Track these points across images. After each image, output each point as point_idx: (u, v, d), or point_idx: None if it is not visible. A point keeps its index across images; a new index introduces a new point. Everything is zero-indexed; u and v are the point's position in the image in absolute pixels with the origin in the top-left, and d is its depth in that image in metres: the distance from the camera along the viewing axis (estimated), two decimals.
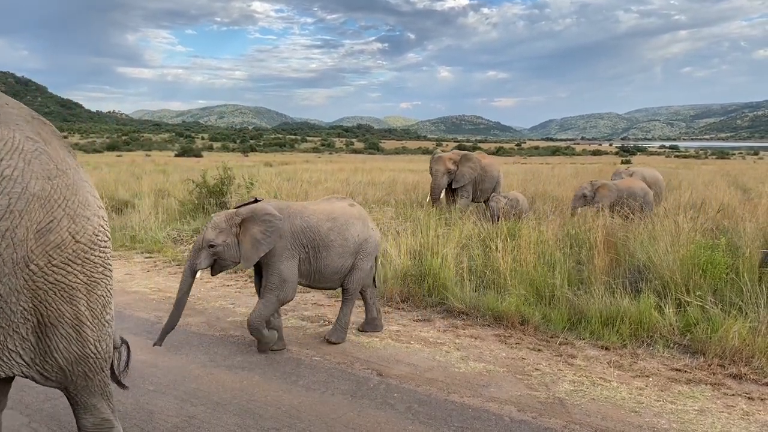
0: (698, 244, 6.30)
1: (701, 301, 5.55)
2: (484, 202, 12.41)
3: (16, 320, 2.54)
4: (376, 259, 5.63)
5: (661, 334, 5.36)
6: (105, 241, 2.77)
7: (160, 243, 9.99)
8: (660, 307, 5.64)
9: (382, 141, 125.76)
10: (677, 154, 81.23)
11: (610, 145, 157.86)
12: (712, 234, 7.42)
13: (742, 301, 5.62)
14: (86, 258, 2.67)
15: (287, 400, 4.16)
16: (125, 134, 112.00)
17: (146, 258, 9.31)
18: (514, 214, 9.78)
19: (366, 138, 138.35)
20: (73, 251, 2.61)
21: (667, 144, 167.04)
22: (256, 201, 5.20)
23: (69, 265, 2.61)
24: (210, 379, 4.53)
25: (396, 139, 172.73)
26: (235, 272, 8.08)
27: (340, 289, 5.63)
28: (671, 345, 5.22)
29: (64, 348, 2.70)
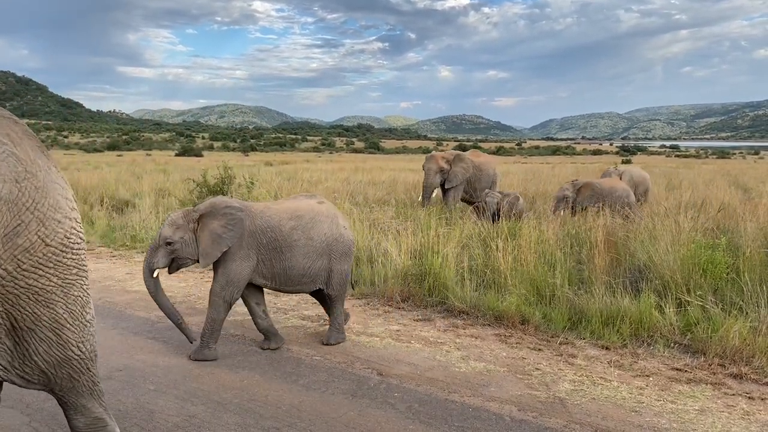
0: (699, 243, 6.29)
1: (702, 301, 5.55)
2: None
3: None
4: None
5: (661, 333, 5.35)
6: (78, 243, 2.73)
7: None
8: (660, 306, 5.64)
9: (383, 140, 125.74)
10: (678, 153, 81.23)
11: (611, 144, 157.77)
12: (712, 234, 7.41)
13: (742, 300, 5.62)
14: (58, 261, 2.63)
15: (288, 400, 4.16)
16: (126, 134, 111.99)
17: None
18: (514, 214, 9.76)
19: (366, 137, 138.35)
20: (44, 255, 2.57)
21: (668, 144, 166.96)
22: None
23: (40, 268, 2.56)
24: (210, 378, 4.53)
25: (396, 138, 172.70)
26: None
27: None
28: (672, 345, 5.22)
29: (44, 351, 2.68)
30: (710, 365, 4.79)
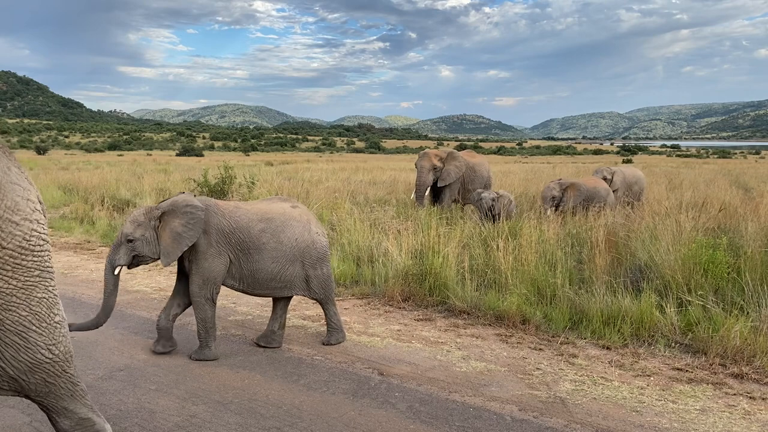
0: (700, 243, 6.28)
1: (703, 301, 5.54)
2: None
3: None
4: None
5: (662, 333, 5.35)
6: (40, 246, 2.67)
7: None
8: (661, 306, 5.63)
9: (383, 140, 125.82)
10: (679, 153, 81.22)
11: (612, 144, 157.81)
12: (713, 233, 7.41)
13: (743, 300, 5.62)
14: (16, 264, 2.57)
15: (288, 400, 4.16)
16: (126, 133, 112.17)
17: None
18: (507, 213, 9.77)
19: (367, 137, 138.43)
20: (0, 258, 2.52)
21: (669, 143, 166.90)
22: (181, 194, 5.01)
23: None
24: (211, 378, 4.54)
25: (397, 138, 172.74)
26: None
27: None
28: (672, 344, 5.22)
29: (11, 356, 2.62)
30: (711, 365, 4.78)
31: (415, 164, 12.10)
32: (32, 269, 2.64)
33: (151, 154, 53.05)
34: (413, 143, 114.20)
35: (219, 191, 12.29)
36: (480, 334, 5.65)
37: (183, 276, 5.05)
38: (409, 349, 5.23)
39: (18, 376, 2.67)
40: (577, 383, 4.49)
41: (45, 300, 2.71)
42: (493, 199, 9.88)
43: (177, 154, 55.02)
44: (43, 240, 2.71)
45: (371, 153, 78.39)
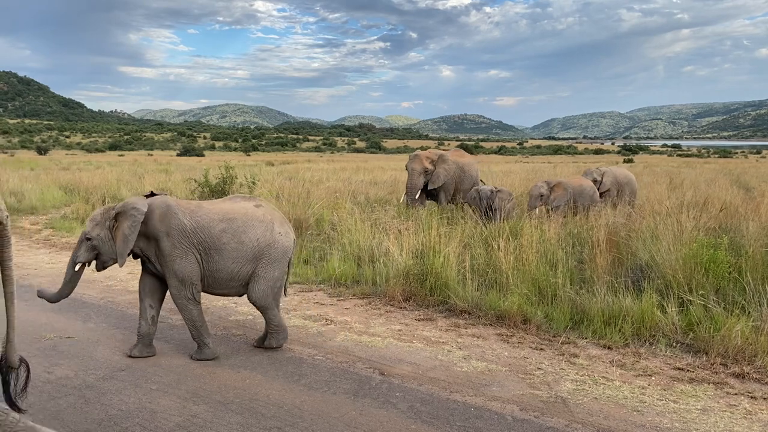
0: (701, 242, 6.28)
1: (704, 300, 5.54)
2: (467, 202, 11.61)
3: None
4: (289, 266, 5.14)
5: (663, 333, 5.35)
6: None
7: None
8: (662, 306, 5.63)
9: (384, 140, 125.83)
10: (679, 152, 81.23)
11: (612, 144, 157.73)
12: (714, 233, 7.40)
13: (744, 300, 5.61)
14: None
15: (289, 399, 4.16)
16: (127, 134, 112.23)
17: None
18: (502, 209, 9.80)
19: (368, 137, 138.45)
20: None
21: (670, 143, 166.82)
22: (152, 194, 4.99)
23: None
24: (212, 378, 4.54)
25: (398, 138, 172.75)
26: None
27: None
28: (674, 344, 5.21)
29: None
30: (712, 365, 4.78)
31: (406, 166, 11.99)
32: None
33: (152, 154, 53.09)
34: (414, 143, 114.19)
35: (220, 191, 12.30)
36: (481, 333, 5.65)
37: (146, 275, 5.01)
38: (410, 349, 5.23)
39: None
40: (578, 383, 4.49)
41: None
42: (491, 191, 9.87)
43: (178, 154, 55.07)
44: None
45: (372, 153, 78.41)
